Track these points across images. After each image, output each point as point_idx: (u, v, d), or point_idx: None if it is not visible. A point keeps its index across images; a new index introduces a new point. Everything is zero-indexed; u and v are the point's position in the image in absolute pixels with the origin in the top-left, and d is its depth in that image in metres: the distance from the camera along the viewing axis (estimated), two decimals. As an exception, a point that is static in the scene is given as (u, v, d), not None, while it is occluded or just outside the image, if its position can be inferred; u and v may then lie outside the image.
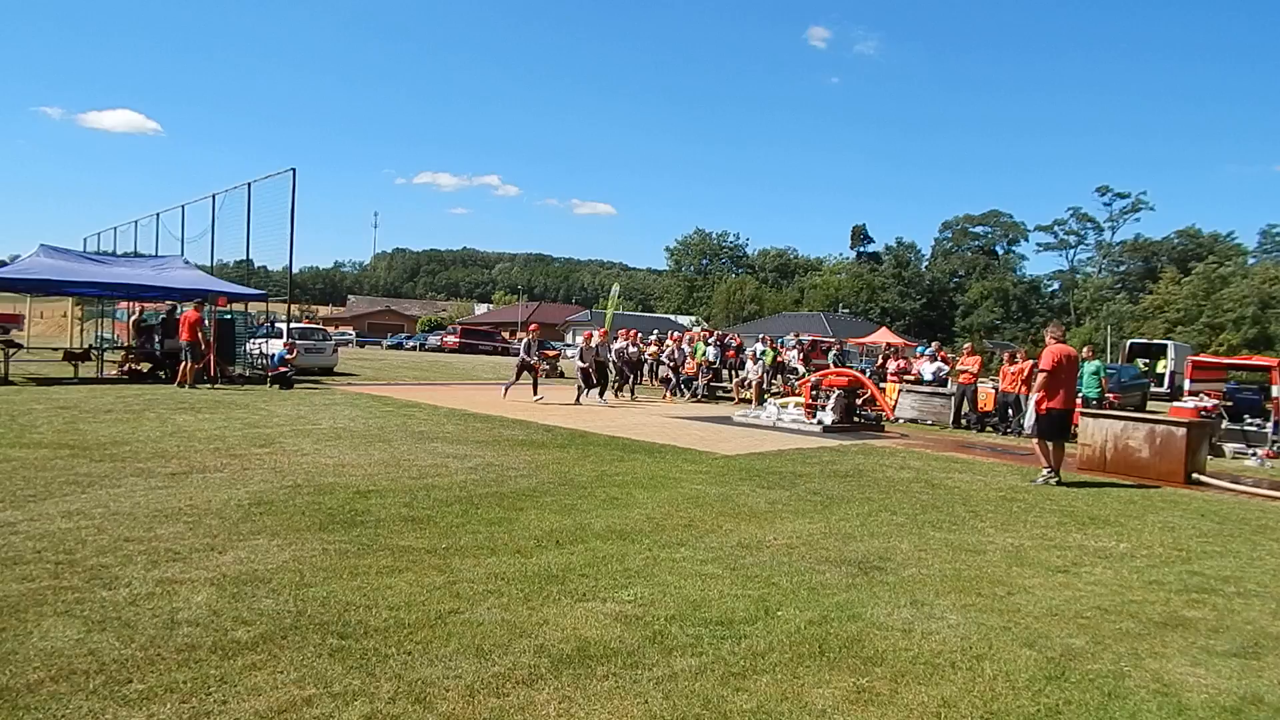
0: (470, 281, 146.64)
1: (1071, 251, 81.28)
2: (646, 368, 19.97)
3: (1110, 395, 15.65)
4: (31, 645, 3.15)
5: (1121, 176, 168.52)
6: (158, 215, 25.44)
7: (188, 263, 20.12)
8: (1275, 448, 12.58)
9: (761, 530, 5.68)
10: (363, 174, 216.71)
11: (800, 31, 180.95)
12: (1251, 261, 64.09)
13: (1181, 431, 9.17)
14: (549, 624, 3.64)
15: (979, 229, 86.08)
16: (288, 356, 16.84)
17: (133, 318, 20.57)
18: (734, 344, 21.71)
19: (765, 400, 15.92)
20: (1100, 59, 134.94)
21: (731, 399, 18.02)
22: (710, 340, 20.45)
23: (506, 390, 16.00)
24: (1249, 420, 14.01)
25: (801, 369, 20.14)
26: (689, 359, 18.84)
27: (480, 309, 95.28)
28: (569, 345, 57.07)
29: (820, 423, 12.78)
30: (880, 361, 20.30)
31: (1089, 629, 3.97)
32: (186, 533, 4.87)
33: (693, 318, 75.68)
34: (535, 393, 15.54)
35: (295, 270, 24.86)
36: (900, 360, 18.42)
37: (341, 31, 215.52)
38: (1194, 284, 57.81)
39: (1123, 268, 77.02)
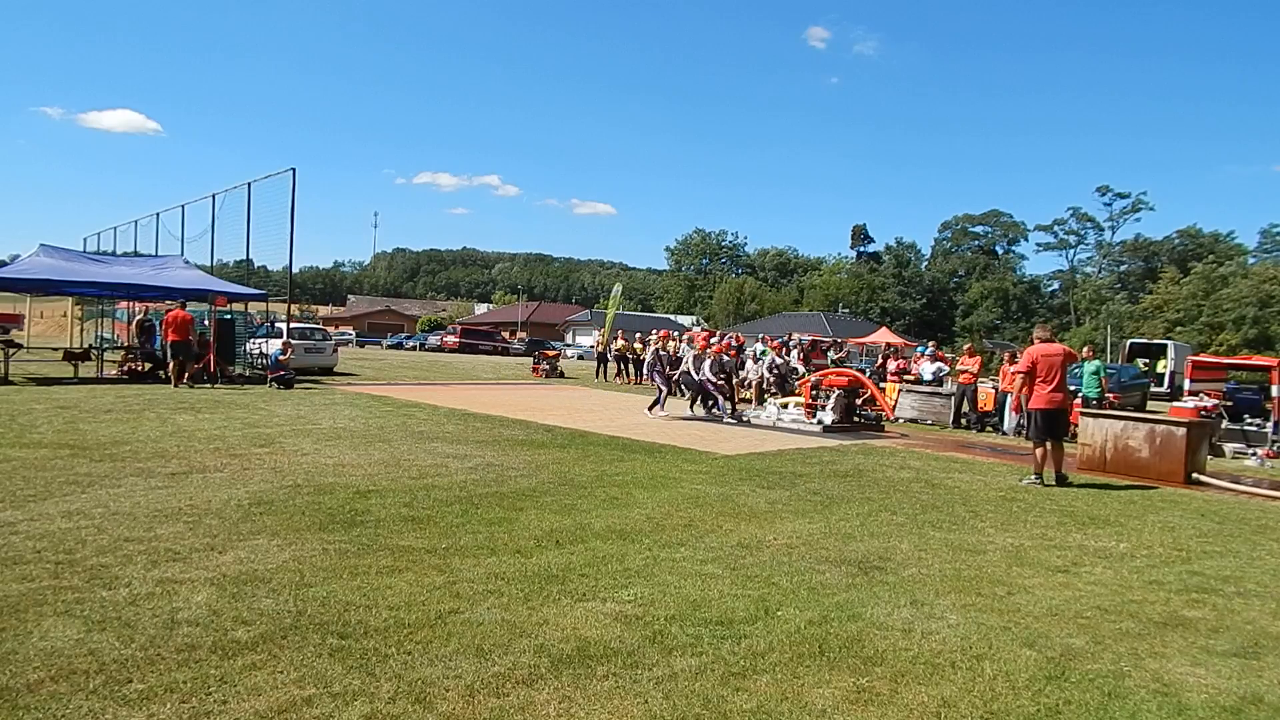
0: (470, 281, 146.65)
1: (1071, 251, 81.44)
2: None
3: (1110, 395, 15.65)
4: (31, 645, 3.16)
5: (1121, 176, 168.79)
6: (158, 215, 25.51)
7: (188, 263, 20.11)
8: (1275, 448, 12.57)
9: (761, 530, 5.68)
10: (362, 174, 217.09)
11: (799, 32, 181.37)
12: (1251, 261, 64.01)
13: (1181, 431, 9.17)
14: (549, 624, 3.64)
15: (979, 229, 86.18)
16: (281, 358, 16.55)
17: (136, 318, 20.58)
18: (735, 344, 21.67)
19: (765, 400, 15.90)
20: (1100, 59, 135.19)
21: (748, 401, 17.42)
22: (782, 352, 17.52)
23: (657, 409, 13.75)
24: (1249, 420, 14.00)
25: (801, 369, 20.14)
26: (750, 368, 16.32)
27: (480, 309, 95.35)
28: (569, 345, 57.20)
29: (820, 422, 12.79)
30: (880, 361, 20.30)
31: (1089, 629, 3.97)
32: (186, 533, 4.87)
33: (693, 318, 75.71)
34: (654, 409, 13.71)
35: (295, 270, 24.93)
36: (900, 360, 18.42)
37: (341, 31, 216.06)
38: (1194, 284, 57.76)
39: (1123, 268, 77.03)
